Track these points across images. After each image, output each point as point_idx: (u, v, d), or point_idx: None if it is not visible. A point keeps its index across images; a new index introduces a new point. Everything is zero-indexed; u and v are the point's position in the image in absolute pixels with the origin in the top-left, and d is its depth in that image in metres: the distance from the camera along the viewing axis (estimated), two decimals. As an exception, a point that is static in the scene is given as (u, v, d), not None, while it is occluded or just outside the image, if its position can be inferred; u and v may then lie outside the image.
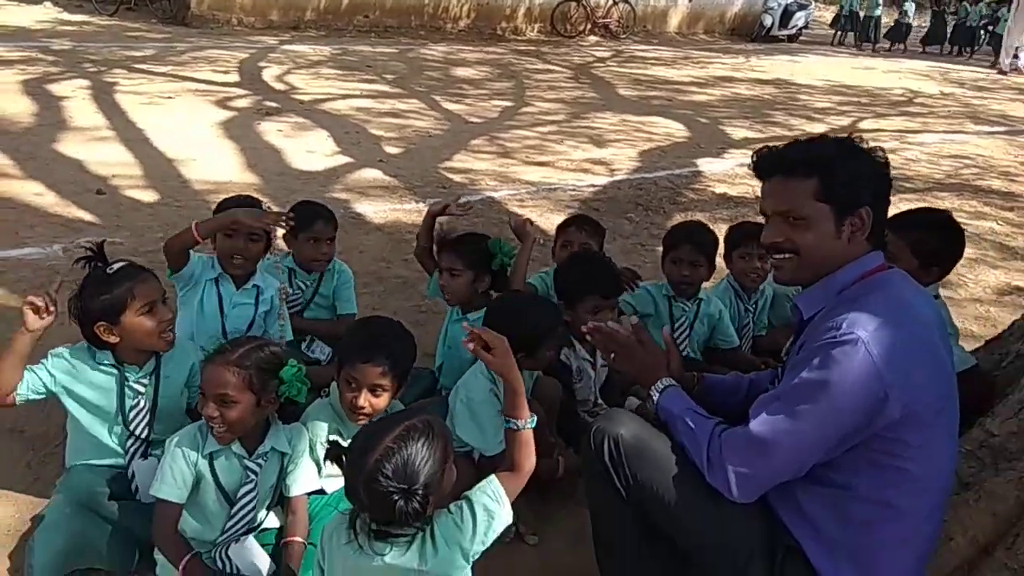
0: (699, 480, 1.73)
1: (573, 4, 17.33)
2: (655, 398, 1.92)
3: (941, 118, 10.99)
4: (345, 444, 2.15)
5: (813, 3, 22.72)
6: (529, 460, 1.79)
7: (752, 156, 1.85)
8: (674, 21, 19.88)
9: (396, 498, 1.51)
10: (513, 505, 1.74)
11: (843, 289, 1.73)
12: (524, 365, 2.49)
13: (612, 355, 2.04)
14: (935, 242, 2.55)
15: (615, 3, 17.85)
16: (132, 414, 2.22)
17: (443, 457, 1.57)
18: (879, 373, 1.56)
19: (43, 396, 2.19)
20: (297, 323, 3.03)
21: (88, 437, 2.22)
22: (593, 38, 17.50)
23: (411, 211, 5.24)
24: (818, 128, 9.43)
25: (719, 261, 3.29)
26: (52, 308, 2.09)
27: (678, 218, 5.53)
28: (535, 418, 1.83)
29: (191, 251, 2.66)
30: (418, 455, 1.53)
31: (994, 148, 9.06)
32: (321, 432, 2.19)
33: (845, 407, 1.59)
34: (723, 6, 20.69)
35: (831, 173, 1.71)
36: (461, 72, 11.34)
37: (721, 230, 5.28)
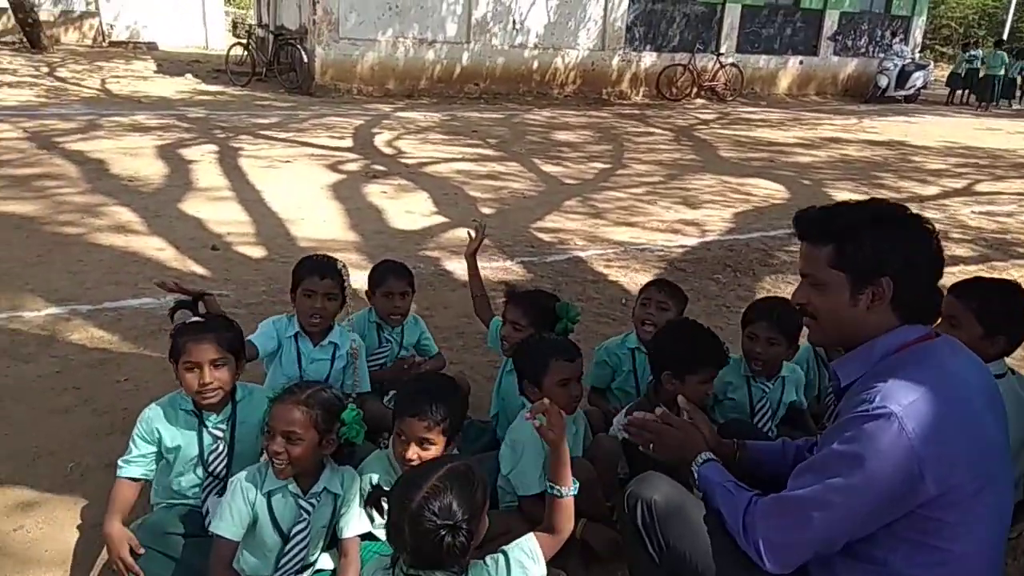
0: (733, 548, 1.73)
1: (680, 68, 17.50)
2: (695, 473, 1.93)
3: (1070, 180, 10.35)
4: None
5: (932, 63, 21.99)
6: (567, 524, 1.89)
7: (793, 218, 1.88)
8: (784, 83, 19.69)
9: (443, 533, 1.59)
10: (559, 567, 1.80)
11: (883, 358, 1.71)
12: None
13: (651, 446, 2.07)
14: (1001, 308, 2.43)
15: (722, 66, 17.90)
16: (211, 457, 2.40)
17: (482, 500, 1.65)
18: (913, 449, 1.54)
19: (158, 457, 2.43)
20: (377, 375, 3.19)
21: (173, 478, 2.42)
22: (700, 101, 17.56)
23: (498, 269, 5.40)
24: (930, 191, 9.09)
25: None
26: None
27: (767, 281, 5.46)
28: (577, 485, 1.90)
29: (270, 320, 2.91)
30: (461, 494, 1.61)
31: None
32: (372, 481, 2.30)
33: (877, 483, 1.56)
34: (836, 67, 20.34)
35: (846, 241, 1.73)
36: (562, 136, 11.62)
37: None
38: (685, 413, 2.13)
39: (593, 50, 16.97)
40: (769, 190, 8.57)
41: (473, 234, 3.32)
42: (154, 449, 2.41)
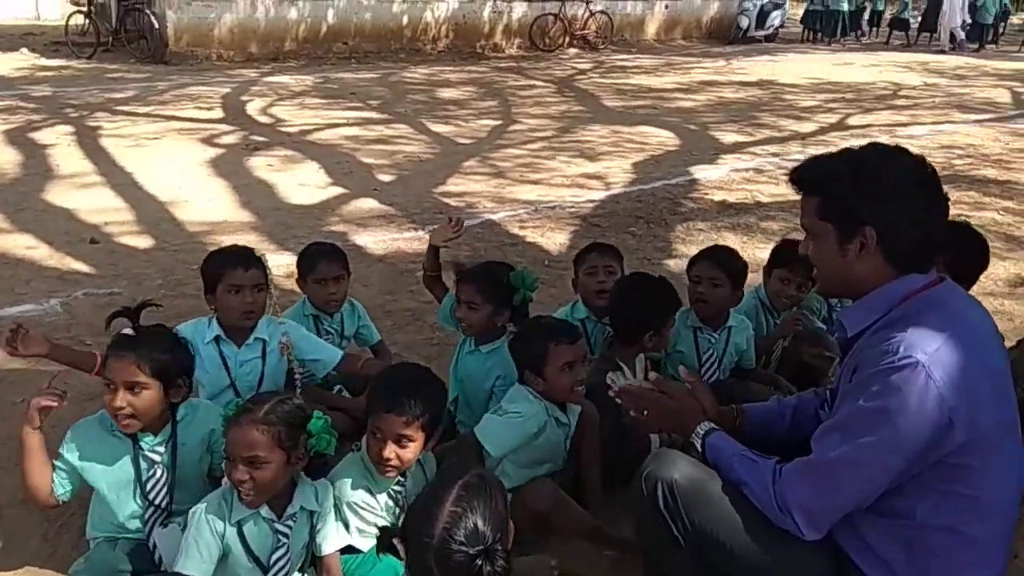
0: (761, 520, 1.66)
1: (551, 18, 17.37)
2: (697, 444, 1.86)
3: (927, 109, 11.02)
4: (379, 513, 2.07)
5: (787, 1, 22.85)
6: None
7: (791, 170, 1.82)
8: (651, 29, 19.95)
9: (479, 562, 1.41)
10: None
11: (890, 308, 1.66)
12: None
13: (644, 413, 1.97)
14: (962, 254, 2.48)
15: (592, 14, 17.90)
16: (150, 484, 2.12)
17: (504, 508, 1.49)
18: (941, 398, 1.50)
19: (79, 482, 2.14)
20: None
21: (108, 508, 2.13)
22: (573, 50, 17.53)
23: (411, 239, 5.16)
24: (808, 127, 9.44)
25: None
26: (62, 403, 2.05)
27: (680, 229, 5.48)
28: None
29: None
30: (484, 511, 1.44)
31: (983, 136, 9.07)
32: (345, 489, 2.09)
33: (909, 435, 1.52)
34: (699, 10, 20.78)
35: (831, 191, 1.70)
36: (445, 93, 11.31)
37: (725, 237, 5.33)
38: (686, 382, 2.03)
39: (463, 2, 16.55)
40: (660, 137, 8.64)
41: (450, 223, 3.04)
42: (71, 473, 2.12)
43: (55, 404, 2.04)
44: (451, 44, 16.45)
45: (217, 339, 2.62)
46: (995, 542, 1.64)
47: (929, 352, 1.52)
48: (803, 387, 3.12)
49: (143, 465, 2.12)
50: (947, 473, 1.55)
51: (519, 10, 17.34)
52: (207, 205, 5.74)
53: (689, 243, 5.20)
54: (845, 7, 21.37)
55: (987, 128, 9.62)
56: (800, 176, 1.79)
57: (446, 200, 6.07)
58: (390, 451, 2.02)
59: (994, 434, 1.57)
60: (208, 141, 7.72)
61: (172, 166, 6.75)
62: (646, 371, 2.34)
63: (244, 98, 10.24)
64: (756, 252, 5.00)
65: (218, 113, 9.21)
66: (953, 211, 5.13)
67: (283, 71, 13.01)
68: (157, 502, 2.13)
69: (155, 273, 4.46)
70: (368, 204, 5.91)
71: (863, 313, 1.71)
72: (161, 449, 2.15)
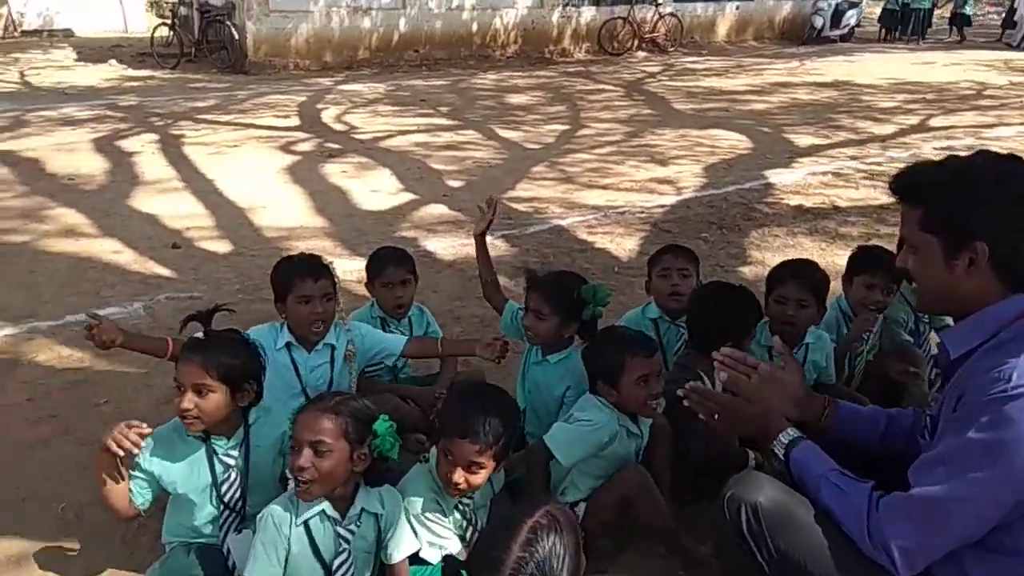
0: (851, 550, 1.58)
1: (619, 21, 17.25)
2: (780, 454, 1.78)
3: (1015, 110, 10.51)
4: (448, 526, 2.06)
5: (864, 0, 22.17)
6: None
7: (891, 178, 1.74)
8: (722, 30, 19.61)
9: None
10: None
11: (998, 329, 1.56)
12: (619, 401, 2.44)
13: (715, 417, 1.91)
14: None
15: (661, 16, 17.71)
16: (224, 487, 2.17)
17: (576, 547, 1.45)
18: None
19: (157, 489, 2.19)
20: (403, 391, 3.00)
21: (184, 512, 2.18)
22: (642, 54, 17.35)
23: (480, 245, 5.17)
24: (887, 129, 9.12)
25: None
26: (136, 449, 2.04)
27: (755, 235, 5.36)
28: None
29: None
30: (554, 555, 1.40)
31: (1079, 137, 8.60)
32: (415, 502, 2.09)
33: (1023, 471, 1.43)
34: (771, 10, 20.34)
35: (935, 202, 1.60)
36: (514, 99, 11.34)
37: (802, 243, 5.19)
38: (778, 360, 1.96)
39: (532, 7, 16.59)
40: (732, 140, 8.48)
41: (485, 209, 3.03)
42: (151, 481, 2.17)
43: (136, 451, 2.02)
44: (520, 50, 16.50)
45: (288, 345, 2.67)
46: None
47: None
48: (888, 405, 3.01)
49: (218, 468, 2.17)
50: None
51: (587, 14, 17.28)
52: (284, 211, 5.88)
53: (764, 249, 5.08)
54: (926, 4, 20.60)
55: (1083, 128, 9.13)
56: (902, 184, 1.69)
57: (515, 205, 6.07)
58: (460, 476, 2.01)
59: None
60: (285, 148, 7.92)
61: (251, 173, 6.94)
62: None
63: (319, 106, 10.48)
64: (835, 259, 4.85)
65: (294, 121, 9.44)
66: None
67: (356, 79, 13.26)
68: (232, 504, 2.18)
69: (233, 278, 4.59)
70: (438, 210, 5.96)
71: (968, 334, 1.61)
72: (235, 453, 2.19)
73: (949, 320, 3.32)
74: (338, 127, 9.17)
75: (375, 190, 6.49)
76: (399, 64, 15.01)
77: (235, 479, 2.18)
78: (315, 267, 2.68)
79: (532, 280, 2.78)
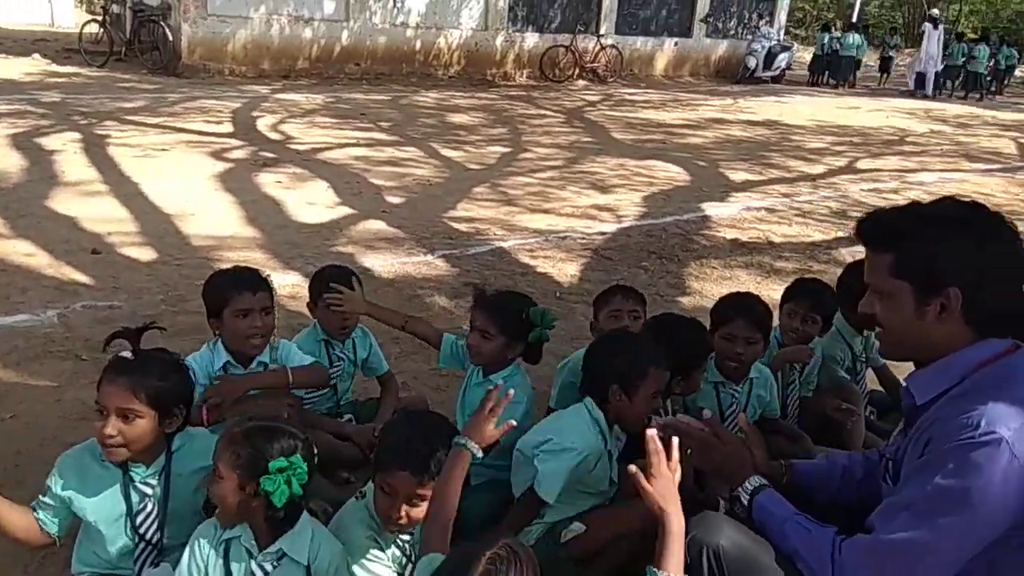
0: None
1: (562, 49, 17.46)
2: (744, 499, 1.75)
3: (935, 156, 11.01)
4: (387, 563, 1.93)
5: (795, 44, 23.05)
6: None
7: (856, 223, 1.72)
8: (660, 64, 20.07)
9: None
10: None
11: (965, 375, 1.56)
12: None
13: (688, 451, 1.87)
14: None
15: (603, 48, 18.01)
16: (140, 518, 1.99)
17: None
18: None
19: (70, 515, 2.01)
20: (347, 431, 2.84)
21: (96, 542, 2.00)
22: (582, 82, 17.60)
23: (420, 264, 5.06)
24: (817, 169, 9.41)
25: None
26: None
27: (693, 266, 5.40)
28: None
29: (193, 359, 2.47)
30: None
31: (993, 186, 9.04)
32: (351, 540, 1.93)
33: (990, 517, 1.42)
34: (708, 48, 20.93)
35: (905, 248, 1.59)
36: (456, 118, 11.29)
37: (738, 276, 5.25)
38: (740, 432, 1.93)
39: (476, 30, 16.65)
40: (669, 172, 8.60)
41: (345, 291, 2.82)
42: (63, 507, 1.99)
43: None
44: (463, 70, 16.51)
45: (226, 367, 2.51)
46: None
47: (1013, 428, 1.42)
48: (825, 441, 3.03)
49: (134, 498, 1.99)
50: (1010, 545, 1.45)
51: (531, 40, 17.45)
52: (213, 220, 5.65)
53: (703, 280, 5.12)
54: (853, 52, 21.55)
55: (995, 178, 9.60)
56: (871, 230, 1.67)
57: (455, 225, 5.99)
58: (402, 512, 1.89)
59: None
60: (217, 155, 7.65)
61: (179, 178, 6.67)
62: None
63: (255, 114, 10.21)
64: (771, 293, 4.89)
65: (228, 127, 9.16)
66: None
67: (294, 89, 13.01)
68: (148, 537, 2.01)
69: (156, 287, 4.35)
70: (376, 226, 5.83)
71: (934, 380, 1.60)
72: (153, 481, 2.02)
73: (885, 360, 3.41)
74: (274, 136, 8.94)
75: (311, 202, 6.31)
76: (339, 77, 14.81)
77: (152, 510, 2.00)
78: (253, 279, 2.54)
79: (479, 298, 2.69)
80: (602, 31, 18.30)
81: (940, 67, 20.12)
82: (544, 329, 2.62)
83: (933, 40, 19.60)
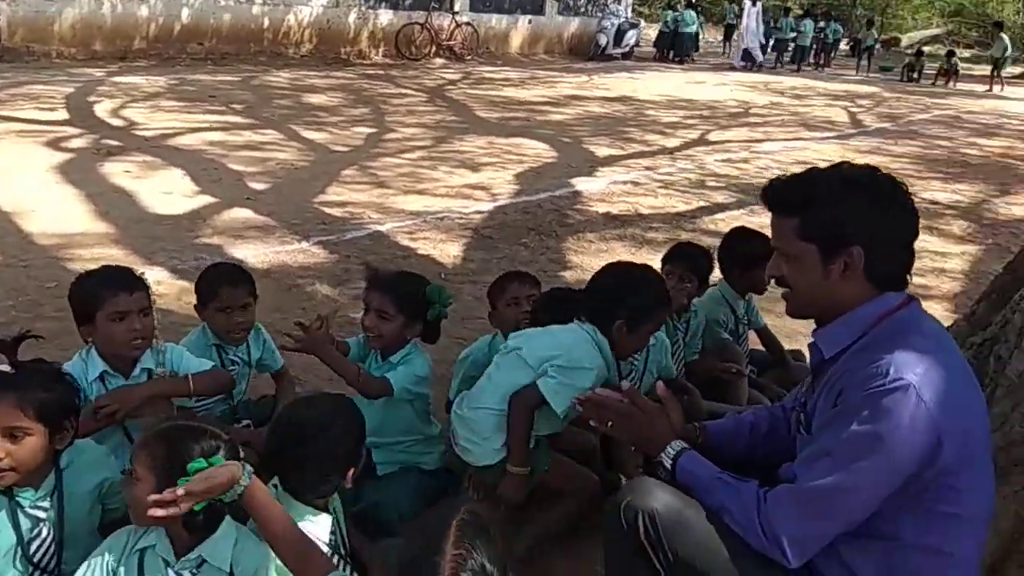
0: (744, 549, 1.60)
1: (417, 27, 17.22)
2: (667, 464, 1.79)
3: (777, 126, 11.73)
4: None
5: (642, 22, 23.84)
6: None
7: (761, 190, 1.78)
8: (515, 42, 20.22)
9: None
10: None
11: (866, 329, 1.65)
12: (623, 345, 2.42)
13: (608, 424, 1.89)
14: None
15: (458, 25, 17.91)
16: (34, 546, 1.81)
17: (498, 540, 1.35)
18: (933, 419, 1.50)
19: None
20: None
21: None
22: (439, 60, 17.45)
23: (295, 252, 4.86)
24: (673, 142, 9.79)
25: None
26: None
27: (571, 241, 5.49)
28: None
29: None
30: (486, 549, 1.28)
31: (831, 153, 9.70)
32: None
33: (902, 459, 1.51)
34: (560, 26, 21.29)
35: (811, 212, 1.67)
36: (313, 99, 10.90)
37: (614, 248, 5.39)
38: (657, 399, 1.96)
39: (328, 7, 16.11)
40: (537, 149, 8.69)
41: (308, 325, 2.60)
42: None
43: None
44: (315, 49, 15.96)
45: (103, 376, 2.30)
46: (973, 558, 1.66)
47: (919, 373, 1.52)
48: (711, 398, 3.18)
49: (24, 525, 1.80)
50: (932, 493, 1.55)
51: (385, 18, 17.09)
52: (58, 215, 5.17)
53: (582, 254, 5.22)
54: (693, 28, 22.54)
55: (832, 145, 10.35)
56: (776, 196, 1.74)
57: (327, 210, 5.79)
58: None
59: (976, 451, 1.58)
60: (53, 145, 7.02)
61: (13, 172, 6.07)
62: None
63: (91, 99, 9.43)
64: (647, 262, 5.07)
65: (62, 114, 8.41)
66: None
67: (132, 71, 12.12)
68: (43, 565, 1.82)
69: (3, 293, 3.94)
70: (243, 214, 5.54)
71: (840, 334, 1.69)
72: (45, 504, 1.83)
73: (766, 320, 3.59)
74: (116, 122, 8.30)
75: (167, 192, 5.91)
76: (181, 57, 13.93)
77: (47, 535, 1.82)
78: (127, 279, 2.32)
79: (374, 279, 2.62)
80: (457, 8, 18.19)
81: (764, 40, 21.44)
82: (442, 307, 2.58)
83: (752, 16, 20.94)
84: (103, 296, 2.25)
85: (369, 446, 2.53)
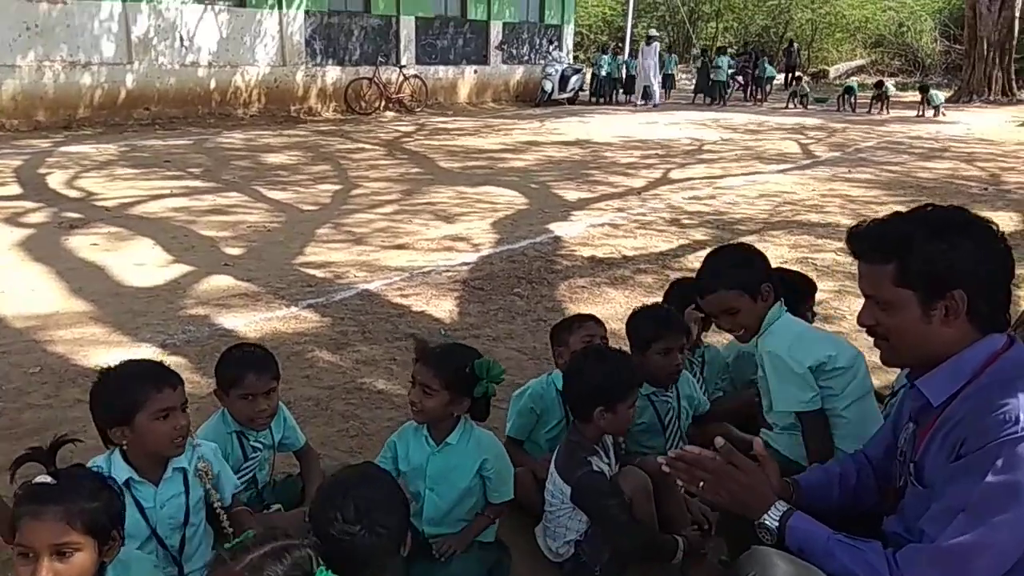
0: None
1: (365, 82, 17.24)
2: (772, 526, 1.70)
3: (733, 161, 11.95)
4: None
5: (584, 67, 24.32)
6: None
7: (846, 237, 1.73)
8: (463, 92, 20.40)
9: None
10: None
11: (975, 373, 1.60)
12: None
13: (700, 485, 1.80)
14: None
15: (406, 78, 18.01)
16: None
17: None
18: None
19: None
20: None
21: None
22: (390, 113, 17.48)
23: (287, 318, 4.69)
24: (638, 182, 9.87)
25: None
26: None
27: (563, 288, 5.42)
28: None
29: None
30: None
31: (791, 184, 9.92)
32: None
33: None
34: (506, 74, 21.59)
35: (908, 257, 1.63)
36: (272, 159, 10.75)
37: (607, 293, 5.34)
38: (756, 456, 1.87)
39: (274, 66, 16.03)
40: (507, 197, 8.66)
41: None
42: None
43: None
44: (264, 108, 15.82)
45: (129, 483, 2.10)
46: None
47: None
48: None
49: None
50: None
51: (332, 74, 17.09)
52: (30, 296, 4.91)
53: (577, 301, 5.15)
54: (632, 71, 22.98)
55: (790, 176, 10.56)
56: (867, 243, 1.70)
57: (311, 271, 5.62)
58: None
59: None
60: (12, 221, 6.72)
61: (-30, 251, 5.77)
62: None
63: (41, 171, 9.12)
64: (640, 304, 5.03)
65: (14, 189, 8.10)
66: (795, 254, 5.60)
67: (79, 140, 11.81)
68: None
69: (-18, 383, 3.68)
70: (224, 282, 5.34)
71: (947, 380, 1.64)
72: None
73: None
74: (72, 193, 8.02)
75: (139, 263, 5.68)
76: (127, 123, 13.66)
77: None
78: (166, 373, 2.14)
79: (421, 351, 2.49)
80: (403, 62, 18.30)
81: (659, 78, 22.07)
82: (491, 383, 2.45)
83: (649, 56, 21.52)
84: (146, 394, 2.07)
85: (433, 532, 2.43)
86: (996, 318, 1.64)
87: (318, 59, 16.89)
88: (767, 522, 1.72)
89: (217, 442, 2.42)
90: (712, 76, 22.96)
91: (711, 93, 23.17)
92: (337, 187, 8.89)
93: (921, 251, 1.61)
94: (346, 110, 16.97)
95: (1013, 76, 24.36)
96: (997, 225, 1.68)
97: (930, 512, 1.57)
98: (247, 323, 4.57)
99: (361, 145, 12.52)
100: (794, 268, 6.01)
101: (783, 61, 29.06)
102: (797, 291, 3.15)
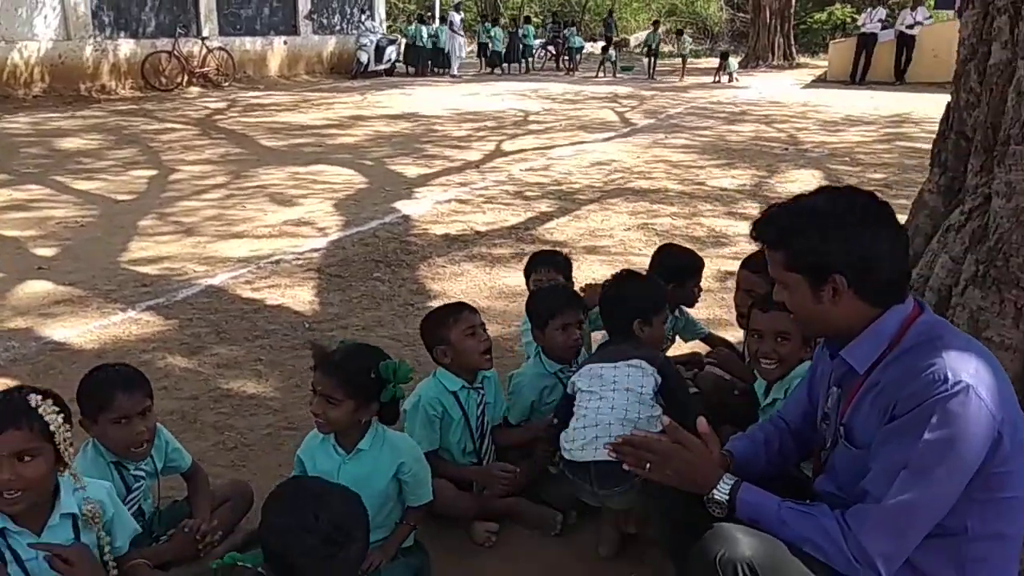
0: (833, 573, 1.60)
1: (164, 55, 15.91)
2: (722, 499, 1.74)
3: (559, 132, 12.20)
4: None
5: (400, 37, 23.83)
6: None
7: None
8: (274, 64, 19.33)
9: None
10: None
11: (893, 339, 1.70)
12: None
13: (647, 467, 1.79)
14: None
15: (209, 51, 16.80)
16: None
17: None
18: (991, 415, 1.57)
19: None
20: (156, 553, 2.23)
21: None
22: (195, 89, 16.25)
23: (125, 323, 4.23)
24: (474, 155, 9.82)
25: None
26: None
27: (423, 269, 5.29)
28: None
29: None
30: None
31: (617, 152, 10.28)
32: None
33: (972, 458, 1.57)
34: (318, 45, 20.71)
35: (792, 245, 1.73)
36: (68, 144, 9.68)
37: (469, 271, 5.27)
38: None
39: (57, 40, 14.37)
40: (343, 176, 8.33)
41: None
42: None
43: None
44: (49, 88, 14.17)
45: (3, 533, 1.79)
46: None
47: (972, 373, 1.57)
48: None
49: None
50: (993, 483, 1.61)
51: (126, 48, 15.61)
52: None
53: (440, 280, 5.05)
54: (444, 44, 22.78)
55: (614, 144, 10.94)
56: (760, 232, 1.80)
57: (142, 269, 5.11)
58: None
59: (1021, 434, 1.65)
60: None
61: None
62: None
63: None
64: (503, 281, 5.04)
65: None
66: (636, 221, 5.87)
67: None
68: None
69: None
70: (41, 287, 4.73)
71: (868, 349, 1.72)
72: None
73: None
74: None
75: (-71, 274, 4.91)
76: None
77: None
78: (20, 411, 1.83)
79: (320, 358, 2.30)
80: (205, 33, 17.04)
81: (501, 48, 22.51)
82: (399, 384, 2.32)
83: (456, 25, 21.93)
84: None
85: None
86: (889, 293, 1.73)
87: (108, 31, 15.34)
88: (716, 496, 1.74)
89: (93, 472, 2.12)
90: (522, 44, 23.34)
91: (517, 60, 23.55)
92: (151, 172, 8.15)
93: (798, 242, 1.71)
94: (145, 86, 15.59)
95: (792, 42, 26.64)
96: (887, 204, 1.75)
97: (872, 473, 1.65)
98: (80, 333, 4.08)
99: (169, 125, 11.56)
100: (637, 234, 6.30)
101: (602, 32, 30.10)
102: (686, 268, 3.25)
